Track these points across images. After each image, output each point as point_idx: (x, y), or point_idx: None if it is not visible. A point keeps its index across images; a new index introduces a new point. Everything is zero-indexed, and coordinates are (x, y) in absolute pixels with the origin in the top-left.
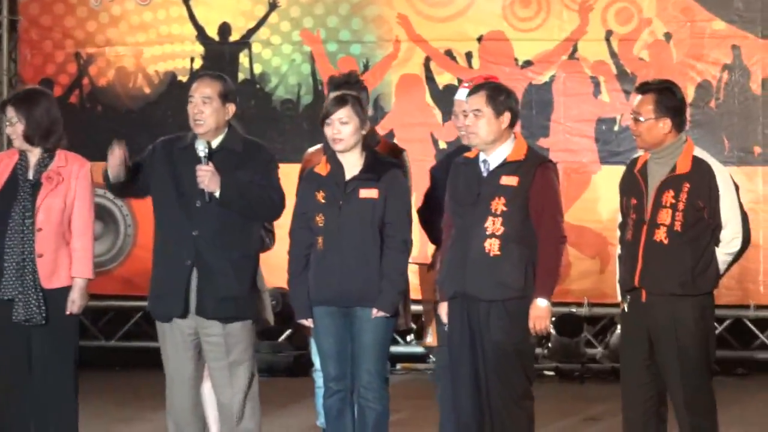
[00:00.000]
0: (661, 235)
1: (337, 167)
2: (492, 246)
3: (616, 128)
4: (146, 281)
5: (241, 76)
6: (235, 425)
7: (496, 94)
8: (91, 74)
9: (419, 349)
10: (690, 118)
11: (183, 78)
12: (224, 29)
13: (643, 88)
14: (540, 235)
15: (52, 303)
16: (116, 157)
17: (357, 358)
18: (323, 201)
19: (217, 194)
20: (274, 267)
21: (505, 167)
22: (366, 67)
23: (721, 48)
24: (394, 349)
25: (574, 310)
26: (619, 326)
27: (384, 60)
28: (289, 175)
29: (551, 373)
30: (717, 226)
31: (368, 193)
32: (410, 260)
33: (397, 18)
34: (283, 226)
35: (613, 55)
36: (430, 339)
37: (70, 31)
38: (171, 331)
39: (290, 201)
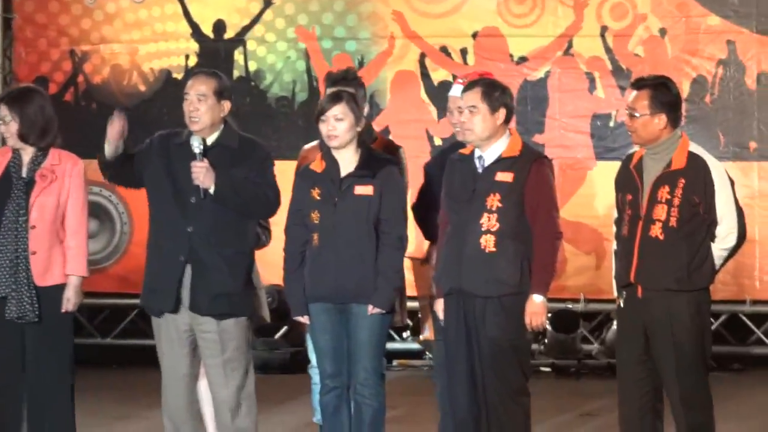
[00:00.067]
0: (656, 230)
1: (332, 164)
2: (487, 242)
3: (611, 124)
4: (142, 279)
5: (236, 74)
6: (231, 422)
7: (491, 91)
8: (86, 72)
9: (415, 346)
10: (685, 114)
11: (178, 75)
12: (219, 26)
13: (638, 84)
14: (535, 231)
15: (46, 301)
16: (116, 127)
17: (353, 355)
18: (318, 198)
19: (211, 191)
20: (270, 264)
21: (501, 163)
22: (361, 64)
23: (716, 43)
24: (390, 345)
25: (570, 306)
26: (614, 322)
27: (379, 57)
28: (284, 172)
29: (547, 369)
30: (712, 222)
31: (363, 189)
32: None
33: (391, 14)
34: (279, 223)
35: (608, 50)
36: (428, 333)
37: (65, 28)
38: (166, 327)
39: (286, 198)
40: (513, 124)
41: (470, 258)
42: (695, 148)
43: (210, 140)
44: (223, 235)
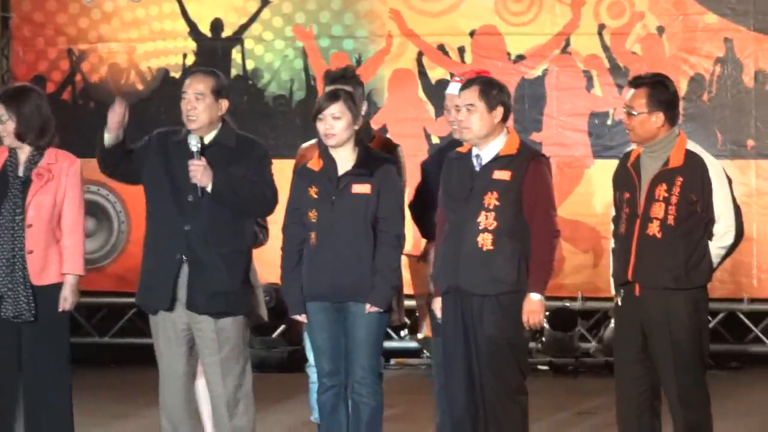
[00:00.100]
0: (654, 228)
1: (329, 163)
2: (485, 241)
3: (609, 122)
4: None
5: (233, 72)
6: (229, 421)
7: (489, 89)
8: (83, 71)
9: (413, 344)
10: (683, 112)
11: (176, 74)
12: (216, 25)
13: (636, 82)
14: (533, 230)
15: (42, 300)
16: (117, 114)
17: (350, 353)
18: (316, 196)
19: (209, 189)
20: (268, 262)
21: (498, 162)
22: (358, 62)
23: (713, 41)
24: (387, 344)
25: (567, 304)
26: (612, 320)
27: (376, 55)
28: (282, 170)
29: (545, 367)
30: (710, 220)
31: (361, 188)
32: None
33: (389, 13)
34: (276, 221)
35: (605, 48)
36: (425, 331)
37: (63, 27)
38: (164, 326)
39: (283, 197)
40: (510, 122)
41: (468, 256)
42: (693, 146)
43: (208, 139)
44: (221, 233)
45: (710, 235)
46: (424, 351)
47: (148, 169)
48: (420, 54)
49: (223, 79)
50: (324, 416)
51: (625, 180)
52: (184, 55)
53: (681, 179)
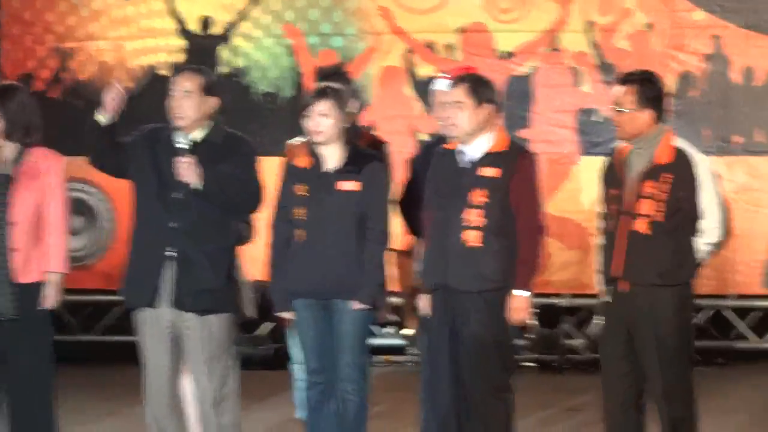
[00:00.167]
0: (641, 225)
1: (318, 160)
2: (472, 238)
3: (597, 119)
4: None
5: (222, 70)
6: (214, 418)
7: (477, 86)
8: (72, 69)
9: (399, 341)
10: (672, 109)
11: (165, 72)
12: (205, 23)
13: (624, 79)
14: (519, 227)
15: (26, 297)
16: (115, 92)
17: (337, 350)
18: (304, 194)
19: (197, 186)
20: (254, 259)
21: (486, 159)
22: (347, 60)
23: (702, 38)
24: (373, 341)
25: (554, 301)
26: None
27: (365, 52)
28: (270, 168)
29: (531, 364)
30: (697, 217)
31: (349, 185)
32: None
33: (378, 10)
34: (262, 218)
35: (594, 45)
36: (412, 327)
37: (51, 25)
38: (149, 323)
39: (271, 194)
40: (499, 119)
41: (454, 253)
42: (681, 142)
43: (197, 136)
44: (207, 230)
45: (697, 232)
46: (410, 347)
47: (136, 166)
48: (409, 51)
49: (211, 77)
50: (311, 413)
51: (612, 176)
52: (173, 53)
53: (669, 176)
